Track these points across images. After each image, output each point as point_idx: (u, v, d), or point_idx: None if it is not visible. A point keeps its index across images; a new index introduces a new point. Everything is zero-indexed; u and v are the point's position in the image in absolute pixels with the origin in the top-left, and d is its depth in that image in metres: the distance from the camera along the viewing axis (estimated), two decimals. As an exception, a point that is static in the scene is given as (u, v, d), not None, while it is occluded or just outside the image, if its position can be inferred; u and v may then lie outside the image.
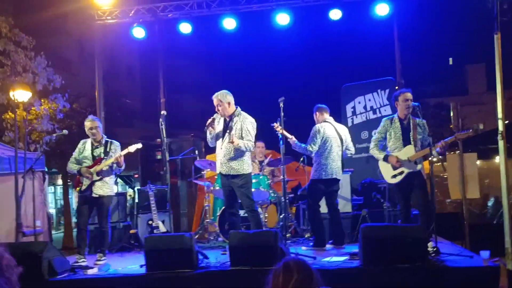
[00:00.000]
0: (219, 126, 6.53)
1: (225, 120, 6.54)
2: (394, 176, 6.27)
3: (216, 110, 6.51)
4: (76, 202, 23.08)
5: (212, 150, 11.27)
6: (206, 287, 5.18)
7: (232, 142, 6.21)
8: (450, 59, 34.67)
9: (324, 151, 6.81)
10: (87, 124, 6.84)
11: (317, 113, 7.11)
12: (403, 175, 6.20)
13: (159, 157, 13.83)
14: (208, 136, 6.59)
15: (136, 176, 19.54)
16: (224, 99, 6.45)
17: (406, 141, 6.23)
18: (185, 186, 12.10)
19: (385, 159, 6.30)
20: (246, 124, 6.44)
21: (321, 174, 6.80)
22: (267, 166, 8.67)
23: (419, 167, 6.19)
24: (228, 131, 6.41)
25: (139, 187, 9.17)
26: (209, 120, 6.47)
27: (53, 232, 15.68)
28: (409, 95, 6.28)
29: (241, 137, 6.35)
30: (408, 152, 6.18)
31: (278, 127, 6.69)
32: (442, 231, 6.70)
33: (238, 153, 6.39)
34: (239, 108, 6.56)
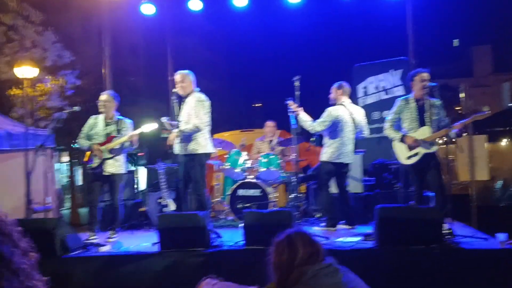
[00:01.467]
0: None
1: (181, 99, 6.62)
2: (410, 157, 6.19)
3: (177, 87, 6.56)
4: (81, 180, 23.16)
5: (219, 129, 11.27)
6: (220, 266, 5.16)
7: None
8: (455, 40, 34.40)
9: (336, 134, 6.73)
10: (104, 97, 6.82)
11: (339, 90, 6.92)
12: (418, 156, 6.12)
13: (164, 135, 13.71)
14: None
15: (141, 154, 19.55)
16: (187, 77, 6.60)
17: (421, 122, 6.14)
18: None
19: (402, 139, 6.20)
20: (195, 103, 6.49)
21: (330, 157, 6.75)
22: (277, 145, 8.64)
23: (434, 148, 6.11)
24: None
25: (146, 166, 9.12)
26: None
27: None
28: (426, 75, 6.16)
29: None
30: (424, 133, 6.09)
31: (292, 104, 6.61)
32: (452, 213, 6.68)
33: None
34: (197, 90, 6.61)
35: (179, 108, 6.63)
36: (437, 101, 6.19)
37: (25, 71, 8.49)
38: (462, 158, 8.08)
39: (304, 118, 6.77)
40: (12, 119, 9.24)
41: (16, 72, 8.51)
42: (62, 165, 21.01)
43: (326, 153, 6.79)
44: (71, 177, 19.05)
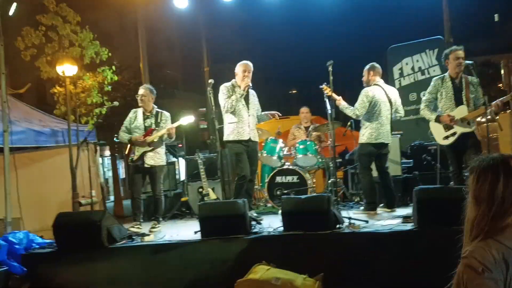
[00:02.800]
0: (237, 95, 6.78)
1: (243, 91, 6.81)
2: (447, 137, 6.10)
3: (245, 77, 6.80)
4: (124, 173, 23.70)
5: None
6: (261, 252, 5.24)
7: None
8: (496, 15, 33.35)
9: (373, 115, 6.70)
10: (141, 91, 7.02)
11: (371, 72, 6.86)
12: (455, 136, 6.02)
13: (202, 126, 13.93)
14: (233, 101, 6.72)
15: (180, 146, 19.87)
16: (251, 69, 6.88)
17: (458, 101, 6.03)
18: (227, 155, 12.23)
19: (437, 119, 6.11)
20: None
21: (369, 138, 6.71)
22: (313, 131, 8.66)
23: (473, 127, 5.99)
24: (251, 101, 6.91)
25: (185, 157, 9.30)
26: (245, 83, 6.76)
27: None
28: (460, 53, 6.04)
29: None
30: (461, 112, 5.98)
31: (327, 89, 6.63)
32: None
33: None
34: None
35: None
36: (474, 79, 6.07)
37: (66, 69, 8.76)
38: (504, 136, 7.89)
39: (345, 105, 6.80)
40: (55, 116, 9.55)
41: (57, 70, 8.78)
42: (104, 159, 21.56)
43: (365, 134, 6.75)
44: (114, 170, 19.54)
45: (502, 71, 8.40)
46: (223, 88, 6.84)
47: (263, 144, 8.49)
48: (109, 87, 9.73)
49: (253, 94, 6.97)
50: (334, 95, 6.74)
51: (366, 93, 6.72)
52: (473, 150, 5.96)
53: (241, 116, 6.77)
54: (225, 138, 6.90)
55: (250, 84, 6.78)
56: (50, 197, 8.60)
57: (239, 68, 6.90)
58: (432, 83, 6.31)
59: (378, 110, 6.69)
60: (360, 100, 6.72)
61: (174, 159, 9.62)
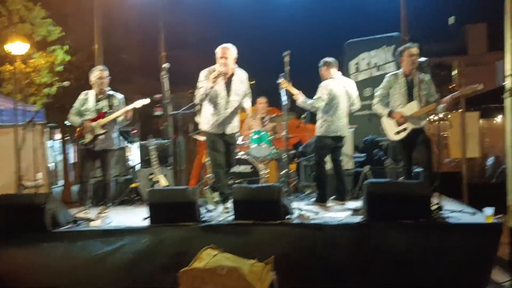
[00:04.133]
0: (219, 84, 6.25)
1: (226, 77, 6.33)
2: (398, 132, 6.23)
3: (221, 63, 6.17)
4: (74, 157, 23.10)
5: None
6: (210, 240, 5.18)
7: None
8: (450, 18, 34.19)
9: (331, 108, 6.72)
10: (98, 73, 6.72)
11: (324, 67, 6.90)
12: (407, 132, 6.15)
13: (157, 113, 13.71)
14: (203, 92, 6.19)
15: (134, 132, 19.55)
16: (233, 53, 6.31)
17: (410, 97, 6.16)
18: (183, 142, 12.08)
19: (389, 114, 6.24)
20: (246, 81, 6.50)
21: (326, 131, 6.74)
22: (268, 122, 8.63)
23: (423, 123, 6.15)
24: (233, 91, 6.34)
25: (138, 142, 9.12)
26: (215, 73, 6.07)
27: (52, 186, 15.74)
28: (414, 50, 6.16)
29: (245, 96, 6.52)
30: (412, 108, 6.12)
31: (284, 82, 6.59)
32: (440, 190, 6.74)
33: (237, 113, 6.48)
34: (237, 67, 6.45)
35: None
36: (426, 77, 6.22)
37: (17, 46, 8.41)
38: (454, 135, 8.09)
39: (303, 100, 6.77)
40: (1, 94, 9.17)
41: (7, 48, 8.42)
42: (55, 143, 20.97)
43: (322, 127, 6.77)
44: (64, 154, 19.00)
45: (455, 72, 8.58)
46: (201, 73, 6.27)
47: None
48: (61, 67, 9.39)
49: (239, 80, 6.39)
50: (292, 89, 6.70)
51: (325, 86, 6.74)
52: (423, 146, 6.14)
53: (215, 106, 6.33)
54: (200, 126, 6.63)
55: (221, 69, 6.08)
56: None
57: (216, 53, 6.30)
58: (385, 79, 6.42)
59: (336, 103, 6.73)
60: (318, 93, 6.73)
61: (125, 145, 9.39)
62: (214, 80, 6.08)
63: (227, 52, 6.24)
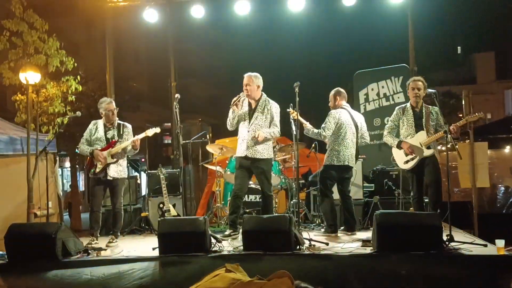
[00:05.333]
0: (243, 108, 6.58)
1: (249, 103, 6.60)
2: (407, 161, 6.41)
3: (244, 89, 6.52)
4: (84, 185, 23.21)
5: (220, 135, 11.29)
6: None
7: (257, 138, 6.36)
8: (459, 47, 34.42)
9: (338, 137, 6.79)
10: (106, 105, 6.83)
11: (337, 97, 7.03)
12: (415, 161, 6.33)
13: (166, 141, 13.74)
14: (231, 116, 6.60)
15: (143, 160, 19.65)
16: (255, 80, 6.55)
17: (418, 128, 6.37)
18: (193, 171, 12.14)
19: (398, 145, 6.44)
20: (274, 110, 6.58)
21: (333, 160, 6.79)
22: (278, 152, 8.66)
23: (431, 151, 6.27)
24: (254, 115, 6.52)
25: (147, 171, 9.17)
26: (235, 98, 6.50)
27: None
28: (417, 84, 6.39)
29: (269, 125, 6.54)
30: (420, 137, 6.31)
31: (293, 112, 6.67)
32: (450, 219, 6.72)
33: (265, 138, 6.49)
34: (265, 95, 6.66)
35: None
36: (435, 108, 6.38)
37: (29, 76, 8.57)
38: (463, 165, 8.09)
39: (310, 128, 6.90)
40: (15, 124, 9.29)
41: (21, 77, 8.57)
42: (64, 170, 21.14)
43: (329, 156, 6.83)
44: (74, 182, 19.09)
45: (463, 102, 8.64)
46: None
47: (227, 162, 8.46)
48: (73, 97, 9.54)
49: (264, 108, 6.55)
50: (301, 119, 6.81)
51: (333, 115, 6.84)
52: (431, 173, 6.27)
53: (240, 133, 6.63)
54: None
55: (236, 99, 6.51)
56: (5, 207, 8.30)
57: None
58: (394, 112, 6.66)
59: (343, 132, 6.80)
60: (326, 122, 6.83)
61: (135, 173, 9.46)
62: (233, 105, 6.47)
63: (248, 79, 6.53)
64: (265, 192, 6.63)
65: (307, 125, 6.92)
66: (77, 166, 18.75)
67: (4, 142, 8.44)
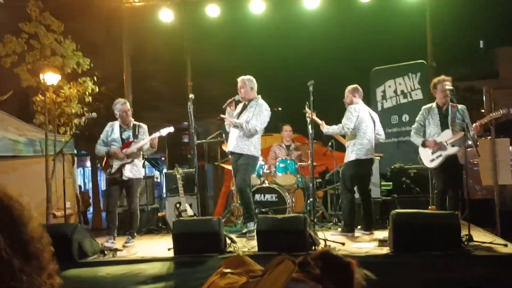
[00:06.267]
0: (236, 109, 6.85)
1: (244, 104, 6.84)
2: (432, 160, 6.44)
3: (238, 92, 6.78)
4: (104, 184, 23.43)
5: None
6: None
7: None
8: (481, 41, 33.88)
9: (359, 131, 6.72)
10: (120, 107, 6.86)
11: (355, 94, 6.92)
12: (441, 159, 6.35)
13: (185, 140, 13.83)
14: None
15: (163, 159, 19.75)
16: (248, 82, 6.76)
17: (444, 127, 6.40)
18: (211, 170, 12.14)
19: (423, 144, 6.49)
20: (259, 109, 6.67)
21: (358, 154, 6.69)
22: (294, 150, 8.62)
23: (456, 149, 6.28)
24: (242, 113, 6.75)
25: (166, 170, 9.20)
26: (229, 100, 6.77)
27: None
28: (448, 85, 6.31)
29: (248, 120, 6.64)
30: (446, 136, 6.34)
31: (309, 112, 6.64)
32: (473, 218, 6.61)
33: (245, 134, 6.63)
34: (259, 97, 6.82)
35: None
36: (461, 106, 6.33)
37: (48, 77, 8.66)
38: (485, 162, 7.93)
39: (329, 128, 6.87)
40: (34, 125, 9.40)
41: (40, 78, 8.68)
42: (86, 170, 21.37)
43: (354, 151, 6.73)
44: (95, 182, 19.30)
45: (484, 97, 8.48)
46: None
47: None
48: (90, 98, 9.61)
49: (251, 108, 6.76)
50: (316, 119, 6.79)
51: (354, 108, 6.77)
52: (454, 172, 6.36)
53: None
54: None
55: (233, 99, 6.82)
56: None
57: None
58: (420, 112, 6.69)
59: (365, 126, 6.75)
60: (347, 115, 6.76)
61: (152, 172, 9.50)
62: (226, 106, 6.79)
63: (242, 82, 6.79)
64: (236, 188, 6.94)
65: (323, 124, 6.86)
66: (97, 165, 18.94)
67: (23, 143, 8.56)
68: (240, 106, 6.90)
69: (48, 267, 1.35)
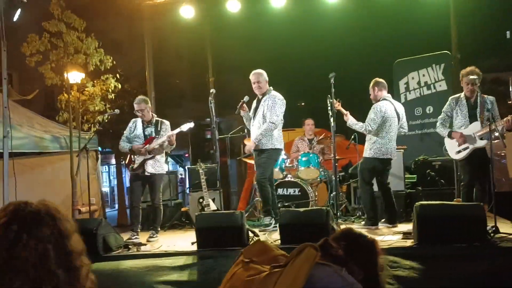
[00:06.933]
0: (253, 106, 6.92)
1: (258, 99, 6.86)
2: (459, 152, 6.27)
3: (255, 87, 6.81)
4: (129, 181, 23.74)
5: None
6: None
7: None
8: (508, 32, 33.21)
9: (383, 130, 6.62)
10: (138, 106, 6.91)
11: (375, 88, 6.83)
12: (467, 151, 6.19)
13: (208, 136, 13.90)
14: (244, 119, 7.08)
15: (187, 155, 19.84)
16: (262, 76, 6.80)
17: (472, 118, 6.22)
18: (234, 165, 12.17)
19: (449, 135, 6.32)
20: (272, 102, 6.70)
21: (376, 153, 6.63)
22: (317, 144, 8.58)
23: (484, 142, 6.09)
24: (258, 109, 6.79)
25: (187, 166, 9.26)
26: (240, 104, 6.85)
27: (108, 210, 16.16)
28: (471, 79, 6.14)
29: (264, 115, 6.70)
30: (474, 128, 6.16)
31: (336, 103, 6.61)
32: (500, 210, 6.49)
33: (267, 130, 6.68)
34: (271, 88, 6.86)
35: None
36: (489, 97, 6.20)
37: (73, 76, 8.79)
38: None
39: (354, 122, 6.76)
40: (58, 123, 9.55)
41: (66, 76, 8.81)
42: (110, 167, 21.62)
43: (372, 149, 6.67)
44: (119, 178, 19.52)
45: (511, 89, 8.30)
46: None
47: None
48: (113, 95, 9.72)
49: (265, 102, 6.77)
50: (342, 109, 6.76)
51: (379, 108, 6.65)
52: (482, 165, 6.15)
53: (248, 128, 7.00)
54: None
55: (243, 102, 6.89)
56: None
57: None
58: (448, 102, 6.49)
59: (388, 125, 6.65)
60: (372, 116, 6.65)
61: (176, 169, 9.56)
62: (239, 110, 6.90)
63: (257, 76, 6.82)
64: (256, 179, 6.91)
65: (349, 116, 6.77)
66: (122, 162, 19.14)
67: (49, 140, 8.69)
68: (254, 102, 6.93)
69: (85, 283, 1.41)
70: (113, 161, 21.06)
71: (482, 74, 6.20)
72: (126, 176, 21.49)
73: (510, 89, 8.21)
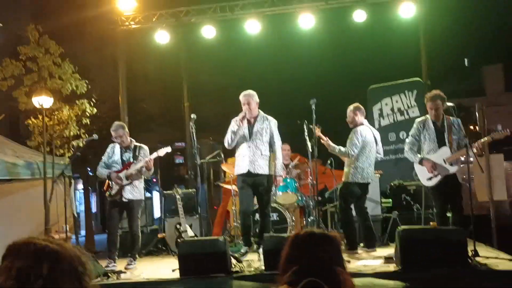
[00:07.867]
0: (243, 125, 6.58)
1: (248, 121, 6.62)
2: (430, 178, 6.17)
3: (245, 109, 6.54)
4: (96, 207, 23.23)
5: (230, 153, 11.26)
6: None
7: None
8: (466, 59, 34.38)
9: (363, 155, 6.70)
10: (114, 133, 6.82)
11: (357, 112, 6.87)
12: (438, 178, 6.10)
13: (178, 161, 13.77)
14: (231, 134, 6.57)
15: (154, 180, 19.60)
16: (254, 98, 6.61)
17: (441, 143, 6.13)
18: (204, 190, 12.10)
19: (420, 162, 6.21)
20: (273, 126, 6.66)
21: (357, 178, 6.69)
22: (293, 169, 8.62)
23: (455, 168, 6.10)
24: (254, 131, 6.56)
25: (163, 191, 9.14)
26: (241, 115, 6.52)
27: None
28: (436, 104, 6.13)
29: (273, 142, 6.59)
30: (444, 154, 6.09)
31: (317, 129, 6.66)
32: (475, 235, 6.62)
33: (266, 154, 6.55)
34: (261, 111, 6.71)
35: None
36: (456, 120, 6.20)
37: (42, 100, 8.64)
38: (479, 178, 7.98)
39: (335, 146, 6.78)
40: (30, 148, 9.34)
41: (34, 101, 8.65)
42: (77, 193, 21.10)
43: (353, 174, 6.72)
44: (87, 204, 19.11)
45: (477, 115, 8.56)
46: (232, 121, 6.65)
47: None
48: (88, 119, 9.60)
49: (263, 124, 6.61)
50: (322, 136, 6.79)
51: (359, 132, 6.73)
52: (454, 192, 6.13)
53: (241, 149, 6.62)
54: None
55: (243, 115, 6.54)
56: (23, 230, 8.28)
57: None
58: (414, 125, 6.40)
59: (368, 150, 6.73)
60: (353, 140, 6.70)
61: (150, 194, 9.43)
62: (242, 120, 6.50)
63: (248, 98, 6.58)
64: (266, 210, 6.71)
65: (329, 141, 6.81)
66: (89, 188, 18.78)
67: (21, 166, 8.47)
68: (244, 122, 6.59)
69: None
70: (80, 186, 20.63)
71: (446, 98, 6.22)
72: (93, 201, 21.11)
73: (477, 115, 8.44)
